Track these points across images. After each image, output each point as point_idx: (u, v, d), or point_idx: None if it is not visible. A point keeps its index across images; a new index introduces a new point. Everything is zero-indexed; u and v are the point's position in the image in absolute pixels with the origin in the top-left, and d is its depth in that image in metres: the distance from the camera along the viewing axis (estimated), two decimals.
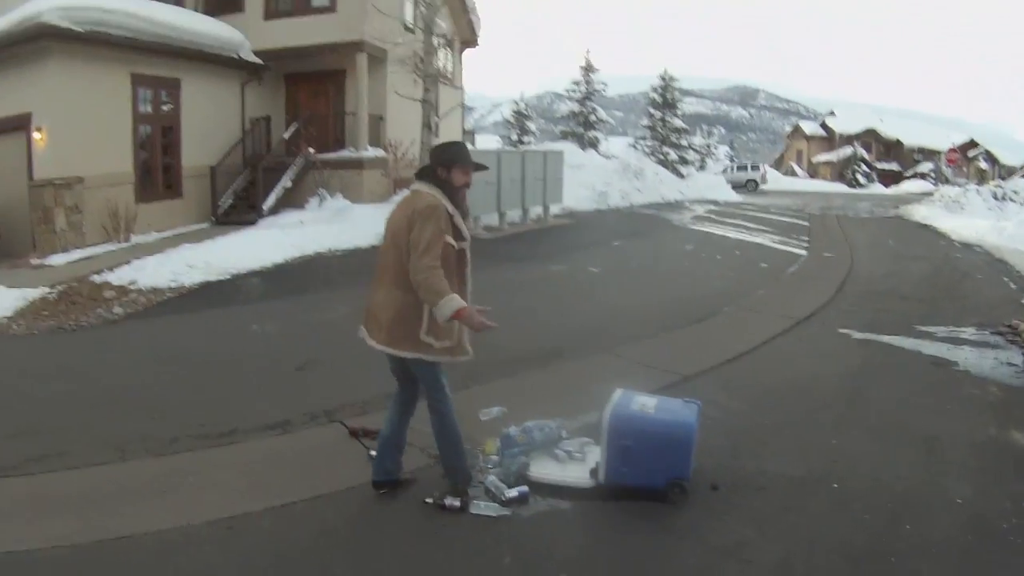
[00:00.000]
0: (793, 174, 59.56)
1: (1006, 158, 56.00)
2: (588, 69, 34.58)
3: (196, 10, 17.92)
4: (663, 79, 34.62)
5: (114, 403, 6.37)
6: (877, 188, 52.50)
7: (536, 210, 16.96)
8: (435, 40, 17.38)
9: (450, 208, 4.19)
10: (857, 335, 9.12)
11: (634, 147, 32.58)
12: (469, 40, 21.75)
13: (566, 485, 4.57)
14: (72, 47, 13.93)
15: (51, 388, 6.86)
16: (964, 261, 16.65)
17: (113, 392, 6.69)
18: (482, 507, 4.27)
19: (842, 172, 57.16)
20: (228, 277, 11.03)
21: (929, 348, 8.63)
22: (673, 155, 32.62)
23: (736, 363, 7.73)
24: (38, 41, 13.62)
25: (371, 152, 17.70)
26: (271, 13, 18.42)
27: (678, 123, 34.09)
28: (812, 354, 8.25)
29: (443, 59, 18.74)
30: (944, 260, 16.57)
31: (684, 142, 34.19)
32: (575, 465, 4.74)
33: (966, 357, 8.30)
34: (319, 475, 4.82)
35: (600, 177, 21.10)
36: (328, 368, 7.11)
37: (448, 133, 19.10)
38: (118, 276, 10.68)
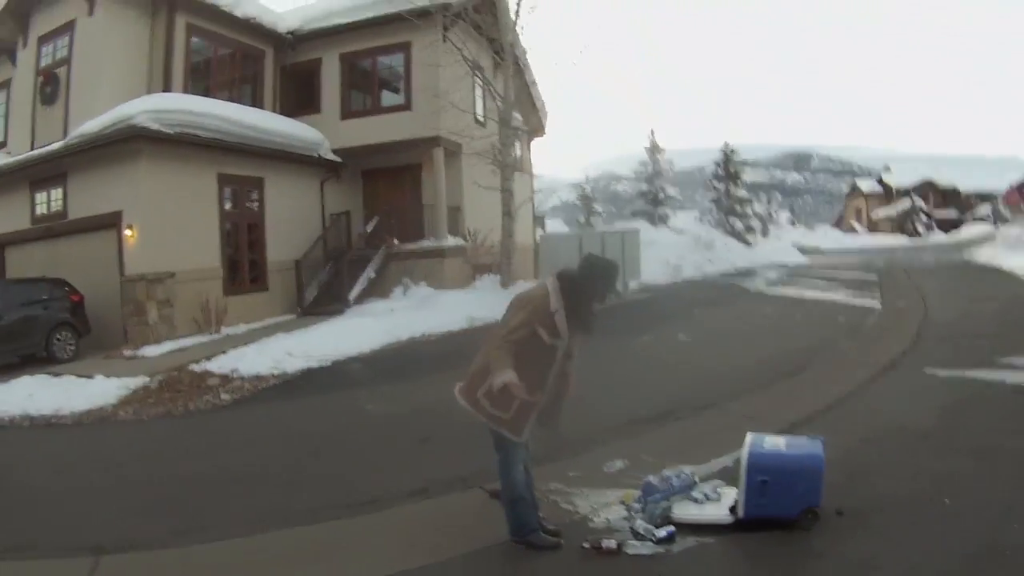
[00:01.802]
0: (853, 231, 58.82)
1: None
2: (654, 149, 35.39)
3: (276, 112, 18.43)
4: (724, 152, 35.18)
5: (245, 481, 6.52)
6: (937, 236, 51.53)
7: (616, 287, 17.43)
8: (511, 132, 17.99)
9: (553, 306, 4.47)
10: (943, 373, 9.31)
11: (700, 220, 32.97)
12: (537, 130, 22.60)
13: (708, 523, 4.99)
14: (161, 148, 14.38)
15: (177, 468, 7.01)
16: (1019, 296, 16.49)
17: (241, 470, 6.82)
18: (637, 547, 4.69)
19: (901, 225, 56.27)
20: (329, 364, 11.13)
21: (1012, 378, 8.77)
22: (739, 224, 32.91)
23: (835, 408, 8.02)
24: (129, 143, 14.01)
25: (451, 241, 18.27)
26: (348, 113, 18.96)
27: (742, 193, 34.39)
28: (903, 394, 8.48)
29: (517, 149, 19.45)
30: (1014, 298, 16.41)
31: (749, 211, 34.47)
32: (712, 505, 5.15)
33: None
34: (470, 533, 5.03)
35: (672, 251, 21.56)
36: (449, 441, 7.31)
37: (521, 220, 19.72)
38: (218, 365, 10.80)
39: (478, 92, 20.11)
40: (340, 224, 18.92)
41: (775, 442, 5.11)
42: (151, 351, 12.82)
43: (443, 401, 9.08)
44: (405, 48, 18.75)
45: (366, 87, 19.32)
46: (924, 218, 55.44)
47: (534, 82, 22.02)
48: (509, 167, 17.76)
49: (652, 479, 5.34)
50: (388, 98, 19.17)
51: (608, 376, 9.49)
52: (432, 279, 17.31)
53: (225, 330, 14.56)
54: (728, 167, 34.64)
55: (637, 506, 5.18)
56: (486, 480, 5.97)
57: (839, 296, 18.42)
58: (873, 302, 17.00)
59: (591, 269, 4.65)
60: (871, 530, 4.87)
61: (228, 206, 16.14)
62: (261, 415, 9.13)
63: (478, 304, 14.10)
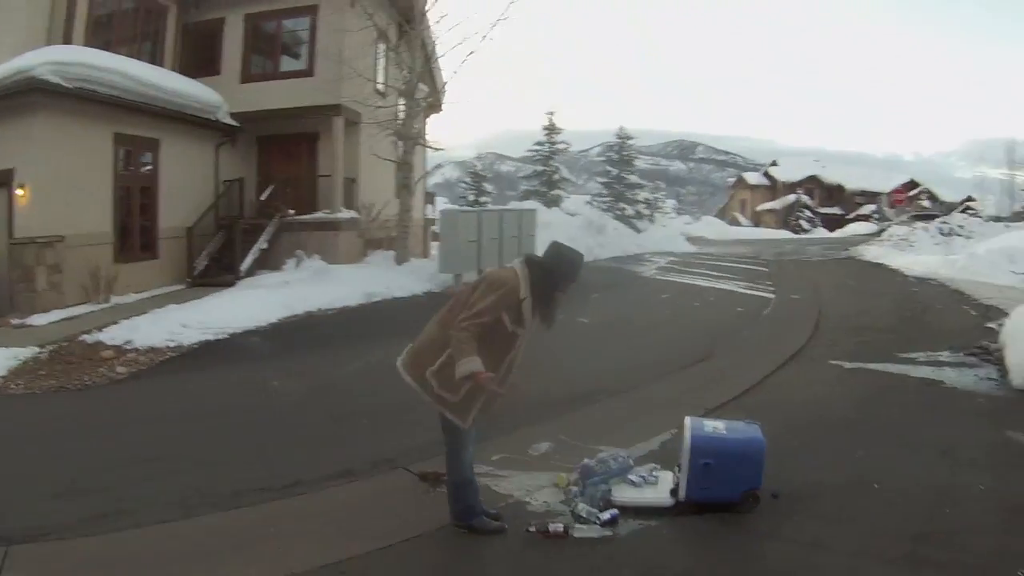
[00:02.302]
0: (737, 223, 61.39)
1: (944, 195, 58.76)
2: (551, 130, 35.76)
3: (176, 72, 18.15)
4: (619, 137, 36.03)
5: (159, 460, 6.32)
6: (821, 232, 54.47)
7: None
8: (416, 104, 18.01)
9: (523, 293, 4.44)
10: (847, 365, 9.92)
11: (591, 204, 33.58)
12: (435, 105, 22.61)
13: (649, 505, 5.16)
14: (60, 103, 14.00)
15: (83, 447, 6.79)
16: (923, 294, 17.77)
17: (153, 450, 6.61)
18: (584, 530, 4.79)
19: (786, 219, 59.27)
20: (226, 336, 11.07)
21: (916, 371, 9.46)
22: (629, 210, 33.77)
23: (749, 395, 8.42)
24: (26, 96, 13.62)
25: (346, 214, 18.17)
26: (248, 76, 18.92)
27: (633, 179, 35.39)
28: (813, 383, 8.99)
29: (419, 122, 19.45)
30: (905, 295, 17.65)
31: (639, 197, 35.43)
32: (651, 488, 5.33)
33: (950, 376, 9.16)
34: (408, 518, 5.00)
35: (565, 233, 21.85)
36: (363, 419, 7.39)
37: (415, 195, 19.73)
38: (111, 336, 10.64)
39: (381, 62, 20.23)
40: (233, 192, 18.57)
41: (715, 426, 5.34)
42: (39, 320, 12.48)
43: (351, 377, 9.28)
44: (312, 12, 18.65)
45: (269, 51, 19.40)
46: (808, 213, 58.33)
47: (436, 56, 21.98)
48: (411, 140, 17.73)
49: (589, 462, 5.46)
50: (291, 63, 19.27)
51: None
52: (325, 252, 17.21)
53: (115, 299, 14.12)
54: (622, 152, 35.45)
55: (575, 489, 5.28)
56: (410, 461, 6.03)
57: (733, 286, 19.33)
58: (768, 293, 17.94)
59: (560, 258, 4.63)
60: (810, 513, 5.19)
61: (122, 168, 15.81)
62: (162, 390, 8.89)
63: (374, 280, 14.10)
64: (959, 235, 28.60)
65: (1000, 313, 13.76)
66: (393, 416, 7.33)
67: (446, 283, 15.38)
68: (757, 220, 63.89)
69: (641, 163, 37.71)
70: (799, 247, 36.76)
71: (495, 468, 5.74)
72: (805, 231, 55.72)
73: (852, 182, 64.37)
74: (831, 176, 64.95)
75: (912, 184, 60.24)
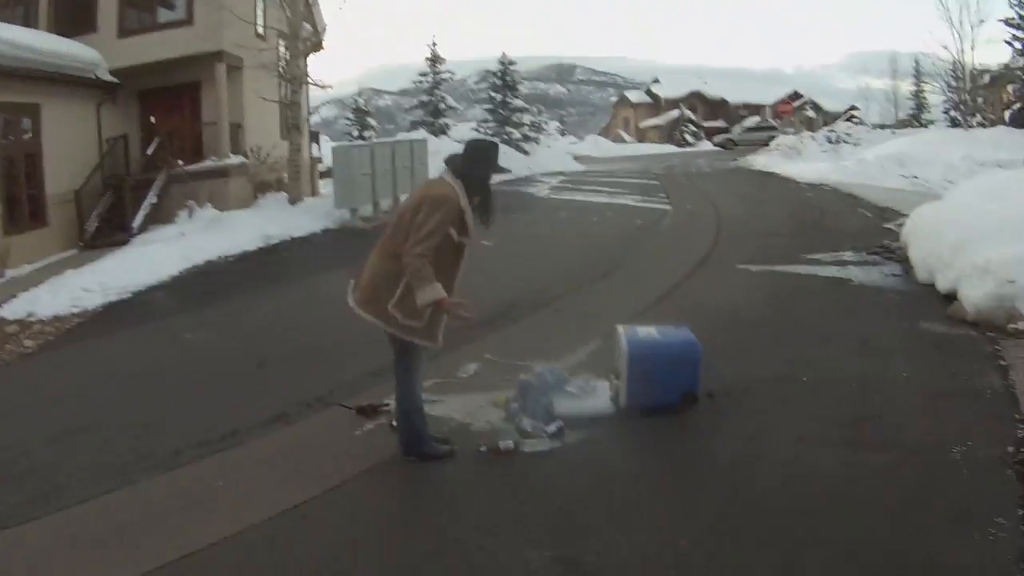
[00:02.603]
0: (622, 141, 62.11)
1: (828, 105, 60.91)
2: (435, 59, 35.10)
3: (49, 31, 17.17)
4: (502, 62, 35.70)
5: (89, 431, 5.89)
6: (705, 145, 55.70)
7: (404, 198, 17.42)
8: (300, 43, 17.55)
9: (463, 203, 4.46)
10: (755, 268, 10.32)
11: (477, 131, 33.25)
12: (317, 45, 22.06)
13: (591, 415, 5.26)
14: None
15: (5, 427, 6.28)
16: (818, 199, 18.58)
17: (76, 420, 6.15)
18: (535, 443, 4.86)
19: (670, 134, 60.43)
20: (129, 295, 10.66)
21: (823, 271, 9.91)
22: (516, 134, 33.65)
23: (665, 302, 8.72)
24: None
25: (234, 159, 17.69)
26: (125, 31, 18.06)
27: (518, 103, 35.22)
28: (726, 286, 9.35)
29: (304, 61, 19.00)
30: (801, 200, 18.38)
31: (525, 121, 35.34)
32: (590, 398, 5.46)
33: (856, 274, 9.67)
34: (354, 453, 4.95)
35: None
36: (288, 362, 7.21)
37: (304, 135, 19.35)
38: (11, 311, 10.09)
39: (260, 4, 19.77)
40: (118, 150, 17.84)
41: (649, 332, 5.47)
42: None
43: (265, 321, 9.02)
44: None
45: (145, 3, 18.56)
46: (692, 128, 59.52)
47: None
48: (298, 80, 17.25)
49: (526, 377, 5.50)
50: (168, 14, 18.57)
51: None
52: (217, 200, 16.77)
53: (9, 273, 13.27)
54: (505, 77, 35.18)
55: (516, 406, 5.31)
56: (342, 397, 5.94)
57: (628, 200, 19.72)
58: (664, 205, 18.46)
59: (478, 150, 4.72)
60: (747, 407, 5.46)
61: (2, 137, 14.99)
62: (76, 359, 8.40)
63: (270, 222, 13.84)
64: (846, 143, 29.84)
65: (895, 214, 14.50)
66: (315, 354, 7.28)
67: (342, 219, 15.15)
68: (641, 137, 64.89)
69: (522, 88, 37.48)
70: (686, 160, 37.67)
71: (430, 394, 5.65)
72: (689, 145, 56.85)
73: (735, 96, 66.22)
74: (714, 91, 66.60)
75: (796, 95, 62.15)
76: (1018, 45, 32.20)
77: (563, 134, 56.99)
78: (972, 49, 28.89)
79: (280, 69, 18.25)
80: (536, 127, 37.64)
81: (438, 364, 6.32)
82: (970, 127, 28.81)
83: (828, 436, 4.93)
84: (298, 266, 11.43)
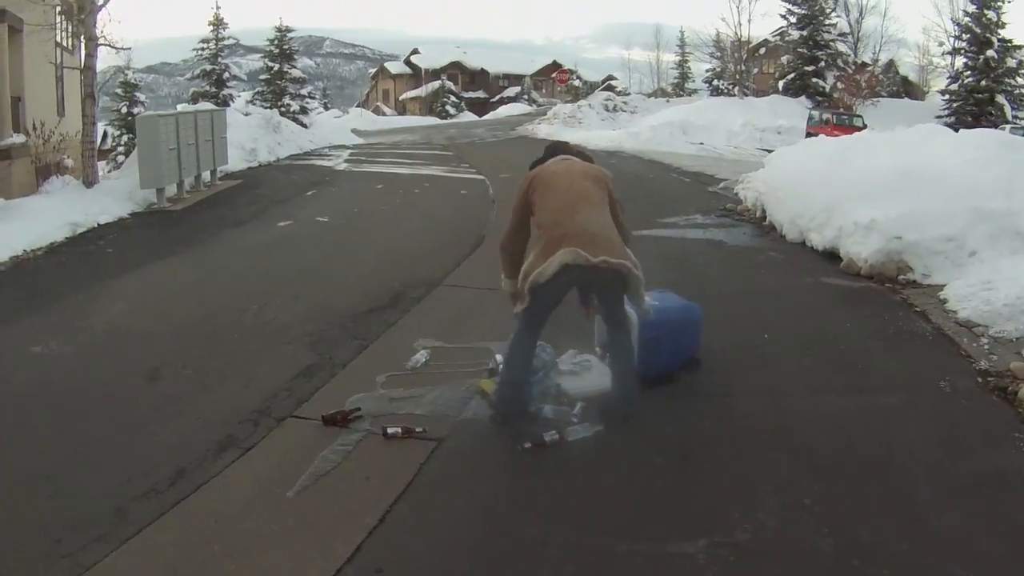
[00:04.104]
0: (382, 113, 61.42)
1: (587, 75, 63.30)
2: (217, 24, 32.51)
3: None
4: (279, 29, 33.88)
5: None
6: (467, 116, 56.34)
7: (205, 175, 16.07)
8: None
9: None
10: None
11: (252, 102, 31.24)
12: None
13: (597, 391, 5.00)
14: None
15: None
16: (626, 166, 19.31)
17: None
18: (578, 431, 4.55)
19: (431, 106, 60.41)
20: None
21: (690, 234, 10.34)
22: (295, 106, 32.16)
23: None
24: None
25: (17, 138, 14.88)
26: None
27: (296, 73, 33.66)
28: None
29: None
30: (609, 167, 18.59)
31: (304, 92, 33.87)
32: (590, 373, 5.25)
33: (723, 236, 10.18)
34: (363, 478, 4.17)
35: (247, 134, 20.39)
36: (186, 371, 5.79)
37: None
38: None
39: None
40: None
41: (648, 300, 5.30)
42: None
43: (124, 321, 7.35)
44: None
45: None
46: (454, 99, 59.96)
47: None
48: (93, 41, 14.79)
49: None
50: None
51: (286, 268, 9.01)
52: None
53: None
54: (282, 46, 33.52)
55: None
56: (284, 407, 5.09)
57: (435, 171, 19.61)
58: (475, 175, 18.49)
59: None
60: (740, 368, 5.60)
61: None
62: None
63: (71, 209, 11.94)
64: (624, 111, 31.18)
65: (710, 179, 15.31)
66: (213, 356, 6.12)
67: (147, 200, 13.41)
68: (402, 109, 64.53)
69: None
70: (463, 131, 37.78)
71: (392, 389, 5.22)
72: (451, 116, 57.24)
73: (495, 66, 67.35)
74: (474, 61, 67.40)
75: (556, 65, 64.03)
76: (792, 19, 35.38)
77: (327, 107, 55.60)
78: (749, 22, 31.28)
79: (70, 27, 16.00)
80: (311, 97, 36.36)
81: (374, 360, 5.89)
82: (745, 95, 31.05)
83: (831, 384, 5.27)
84: (122, 255, 9.92)
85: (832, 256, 8.56)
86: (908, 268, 7.59)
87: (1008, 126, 26.46)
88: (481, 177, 17.81)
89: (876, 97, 36.73)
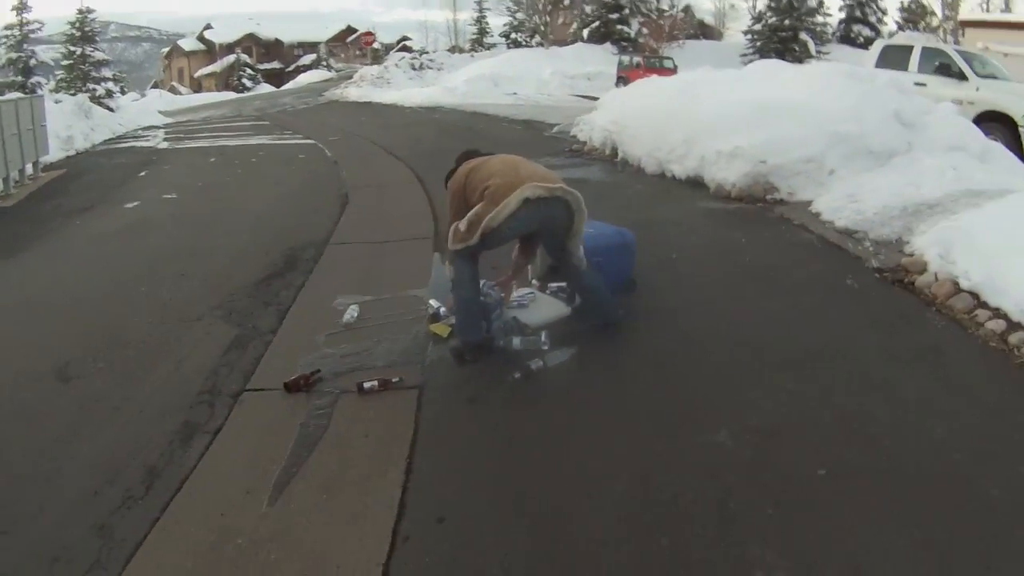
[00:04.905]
0: (178, 92, 57.77)
1: (381, 37, 62.07)
2: (21, 8, 29.05)
3: None
4: (80, 11, 30.85)
5: None
6: (265, 88, 54.06)
7: (28, 167, 14.44)
8: None
9: None
10: None
11: (56, 91, 28.35)
12: None
13: (554, 319, 5.03)
14: None
15: None
16: (453, 119, 19.23)
17: None
18: (557, 356, 4.53)
19: (228, 81, 57.48)
20: None
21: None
22: (100, 90, 29.50)
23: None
24: None
25: None
26: None
27: (100, 55, 30.87)
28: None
29: None
30: (434, 121, 18.89)
31: (109, 75, 31.15)
32: (538, 305, 5.23)
33: (585, 175, 10.36)
34: (362, 437, 3.86)
35: (61, 122, 18.48)
36: (97, 363, 5.05)
37: None
38: None
39: None
40: None
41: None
42: None
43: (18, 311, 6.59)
44: None
45: None
46: (250, 72, 57.40)
47: None
48: None
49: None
50: None
51: (167, 246, 8.22)
52: None
53: None
54: (84, 28, 30.59)
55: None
56: (234, 380, 4.63)
57: (263, 140, 18.67)
58: (303, 140, 17.85)
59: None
60: (664, 286, 5.76)
61: None
62: None
63: None
64: (430, 68, 30.83)
65: (543, 124, 15.41)
66: (120, 345, 5.34)
67: None
68: (197, 87, 60.97)
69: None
70: (270, 102, 36.13)
71: (343, 348, 4.93)
72: (248, 89, 54.73)
73: (289, 36, 64.72)
74: (267, 32, 64.37)
75: (350, 30, 62.45)
76: None
77: (123, 92, 51.74)
78: None
79: None
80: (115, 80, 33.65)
81: (298, 321, 5.55)
82: (543, 46, 31.33)
83: (754, 292, 5.59)
84: None
85: (695, 184, 8.90)
86: (774, 188, 7.99)
87: (814, 61, 27.88)
88: (311, 141, 17.18)
89: (678, 40, 37.92)
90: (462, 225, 4.42)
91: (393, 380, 4.30)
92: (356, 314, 5.49)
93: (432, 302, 5.30)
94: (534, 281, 5.50)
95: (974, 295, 4.98)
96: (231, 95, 50.78)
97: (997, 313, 4.73)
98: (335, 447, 3.77)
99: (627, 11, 38.11)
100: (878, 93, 8.60)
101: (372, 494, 3.36)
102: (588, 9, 39.30)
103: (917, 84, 11.30)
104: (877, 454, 3.47)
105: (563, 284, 5.30)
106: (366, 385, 4.24)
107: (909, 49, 13.20)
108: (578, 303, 5.11)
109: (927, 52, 12.89)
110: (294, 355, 4.85)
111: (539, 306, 5.20)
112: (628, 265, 5.49)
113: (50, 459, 3.85)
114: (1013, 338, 4.46)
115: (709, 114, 9.20)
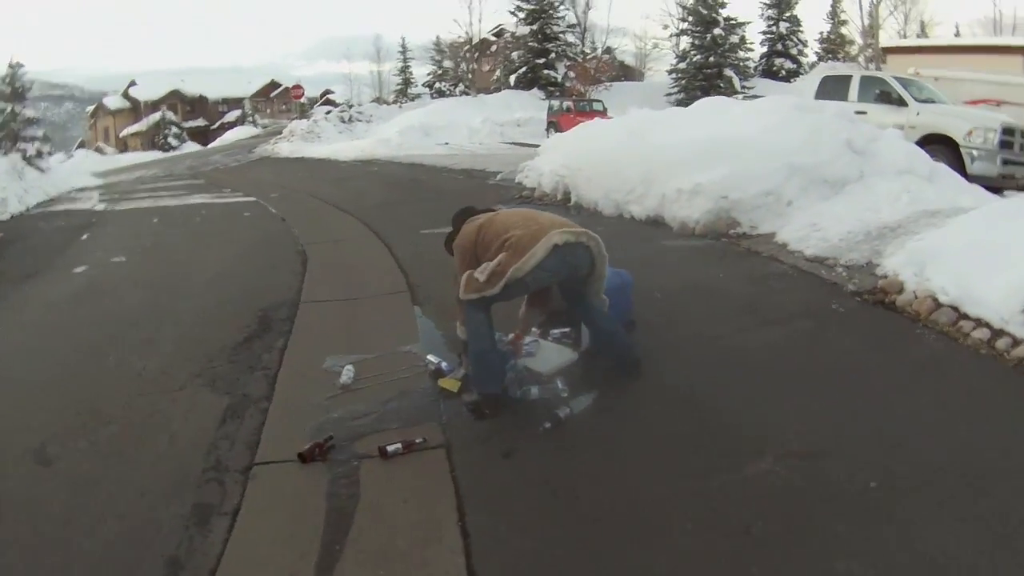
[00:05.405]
0: (103, 152, 56.24)
1: (306, 91, 61.54)
2: None
3: None
4: (11, 66, 29.47)
5: None
6: (191, 147, 52.95)
7: None
8: None
9: None
10: (438, 231, 9.97)
11: None
12: None
13: (567, 365, 4.93)
14: None
15: None
16: (392, 171, 19.08)
17: None
18: (581, 402, 4.40)
19: (153, 139, 56.13)
20: None
21: None
22: (31, 150, 28.19)
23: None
24: None
25: None
26: None
27: (30, 113, 29.53)
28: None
29: None
30: (374, 174, 18.63)
31: (40, 134, 29.83)
32: (547, 353, 5.08)
33: None
34: (396, 502, 3.64)
35: None
36: (78, 442, 4.46)
37: None
38: None
39: None
40: None
41: None
42: None
43: None
44: None
45: None
46: (176, 130, 56.25)
47: None
48: None
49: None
50: None
51: (118, 312, 7.76)
52: None
53: None
54: (14, 84, 29.22)
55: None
56: (240, 455, 4.24)
57: (203, 199, 18.07)
58: (244, 197, 17.26)
59: None
60: (659, 323, 5.68)
61: None
62: None
63: None
64: (360, 120, 30.59)
65: (485, 173, 15.29)
66: (100, 420, 4.82)
67: None
68: (124, 146, 59.40)
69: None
70: (200, 160, 35.31)
71: (347, 411, 4.63)
72: (174, 148, 53.49)
73: (214, 91, 63.52)
74: (192, 88, 63.08)
75: (274, 84, 61.78)
76: (521, 14, 35.73)
77: (51, 153, 50.03)
78: (480, 21, 31.48)
79: None
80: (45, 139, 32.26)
81: (291, 385, 5.20)
82: (467, 93, 31.42)
83: (748, 323, 5.63)
84: None
85: (656, 223, 8.93)
86: (736, 223, 8.06)
87: (740, 96, 28.37)
88: (253, 199, 16.64)
89: (604, 83, 38.32)
90: (480, 275, 4.24)
91: (417, 441, 4.06)
92: (353, 374, 5.17)
93: (431, 357, 5.13)
94: (534, 329, 5.34)
95: (954, 308, 5.17)
96: (159, 154, 49.52)
97: (979, 323, 4.94)
98: (375, 517, 3.51)
99: (553, 56, 38.34)
100: (829, 123, 8.79)
101: (434, 563, 3.14)
102: (515, 55, 39.34)
103: (858, 112, 11.56)
104: (918, 461, 3.59)
105: (566, 330, 5.19)
106: (390, 448, 3.99)
107: (848, 79, 13.55)
108: (585, 347, 5.00)
109: (866, 81, 13.25)
110: (297, 422, 4.51)
111: (546, 353, 5.06)
112: (628, 305, 5.42)
113: (51, 557, 3.37)
114: (1000, 343, 4.72)
115: (666, 153, 9.24)
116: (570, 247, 4.30)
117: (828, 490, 3.43)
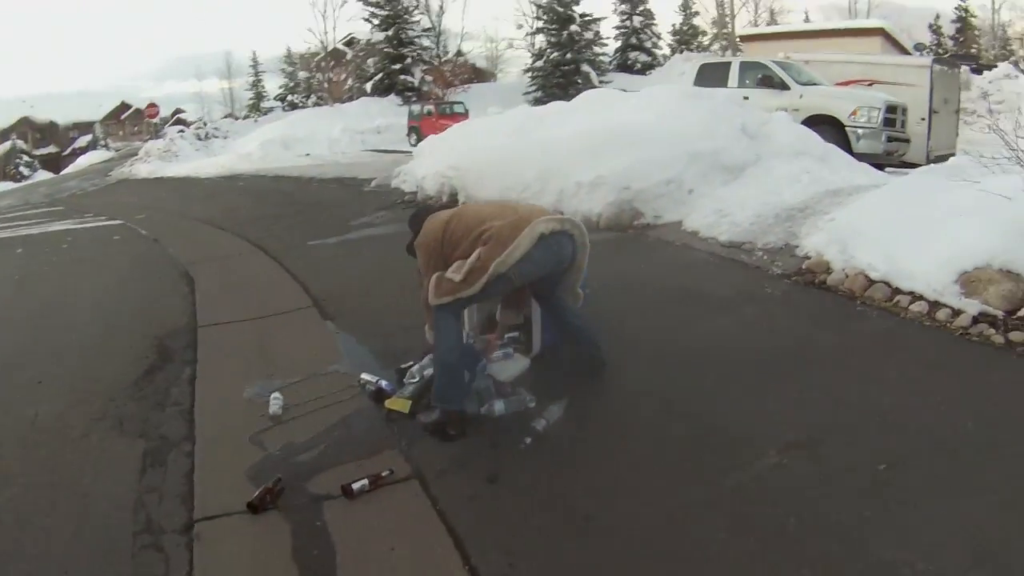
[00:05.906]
0: None
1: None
2: None
3: None
4: None
5: None
6: (43, 175, 49.10)
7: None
8: None
9: None
10: (331, 240, 9.46)
11: None
12: None
13: (521, 371, 4.46)
14: None
15: None
16: (260, 185, 17.96)
17: None
18: (553, 412, 3.88)
19: (4, 170, 51.65)
20: None
21: (395, 228, 9.39)
22: None
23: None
24: None
25: None
26: None
27: None
28: (340, 263, 8.37)
29: None
30: (241, 189, 17.41)
31: None
32: (510, 362, 4.58)
33: None
34: (382, 549, 3.06)
35: None
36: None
37: None
38: None
39: None
40: None
41: None
42: None
43: None
44: None
45: None
46: (27, 158, 52.01)
47: None
48: None
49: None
50: None
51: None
52: None
53: None
54: None
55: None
56: (233, 498, 3.54)
57: (67, 225, 16.21)
58: (108, 221, 15.68)
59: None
60: (619, 312, 5.30)
61: None
62: None
63: None
64: (216, 137, 29.09)
65: (360, 180, 14.55)
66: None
67: None
68: None
69: None
70: (57, 187, 32.17)
71: (290, 446, 3.94)
72: (26, 178, 49.43)
73: (65, 116, 59.32)
74: (42, 114, 58.55)
75: (124, 106, 58.13)
76: (376, 21, 34.48)
77: None
78: (334, 29, 30.30)
79: None
80: None
81: (212, 422, 4.44)
82: (321, 103, 30.32)
83: (688, 314, 5.31)
84: None
85: None
86: (640, 214, 7.78)
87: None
88: (119, 222, 15.13)
89: (460, 85, 37.41)
90: (454, 275, 3.67)
91: (384, 473, 3.46)
92: (282, 403, 4.48)
93: (366, 376, 4.55)
94: (470, 333, 4.76)
95: (887, 284, 5.05)
96: (11, 184, 45.46)
97: (914, 296, 4.84)
98: (363, 568, 2.91)
99: (409, 61, 37.21)
100: (724, 109, 8.65)
101: None
102: (370, 61, 38.01)
103: (744, 98, 11.47)
104: (916, 437, 3.40)
105: (514, 334, 4.65)
106: (355, 486, 3.36)
107: (727, 65, 13.56)
108: (536, 352, 4.53)
109: (746, 66, 13.28)
110: (231, 464, 3.79)
111: (513, 362, 4.55)
112: None
113: None
114: (940, 315, 4.63)
115: (562, 146, 8.79)
116: (555, 236, 3.84)
117: (839, 477, 3.17)
